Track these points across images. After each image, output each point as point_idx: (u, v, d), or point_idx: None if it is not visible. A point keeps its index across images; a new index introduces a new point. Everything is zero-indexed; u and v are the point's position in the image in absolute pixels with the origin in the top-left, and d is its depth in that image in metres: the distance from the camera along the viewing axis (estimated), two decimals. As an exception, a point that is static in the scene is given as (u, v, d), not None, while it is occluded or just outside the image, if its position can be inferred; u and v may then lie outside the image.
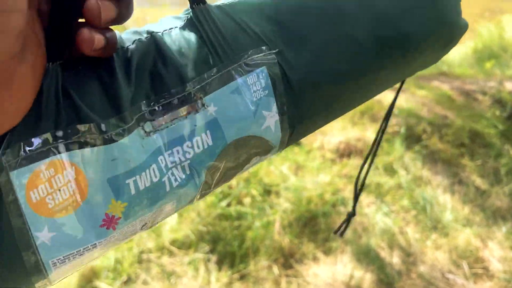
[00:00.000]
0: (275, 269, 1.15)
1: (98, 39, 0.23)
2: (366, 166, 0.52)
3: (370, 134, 1.62)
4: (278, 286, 1.11)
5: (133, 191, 0.24)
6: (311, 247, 1.22)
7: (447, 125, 1.71)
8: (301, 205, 1.34)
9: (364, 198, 1.41)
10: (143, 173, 0.24)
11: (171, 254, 1.18)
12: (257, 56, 0.28)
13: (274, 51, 0.29)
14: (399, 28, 0.33)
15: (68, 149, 0.22)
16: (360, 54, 0.32)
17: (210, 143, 0.26)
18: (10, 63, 0.19)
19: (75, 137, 0.22)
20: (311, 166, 1.49)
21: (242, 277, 1.13)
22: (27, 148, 0.22)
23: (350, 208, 1.33)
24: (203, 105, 0.26)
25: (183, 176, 0.26)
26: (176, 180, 0.26)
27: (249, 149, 0.29)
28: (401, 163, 1.52)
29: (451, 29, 0.38)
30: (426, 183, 1.47)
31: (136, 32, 0.27)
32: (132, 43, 0.26)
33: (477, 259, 1.21)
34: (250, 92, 0.27)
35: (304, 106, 0.30)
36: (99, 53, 0.23)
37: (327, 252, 1.22)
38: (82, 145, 0.22)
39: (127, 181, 0.24)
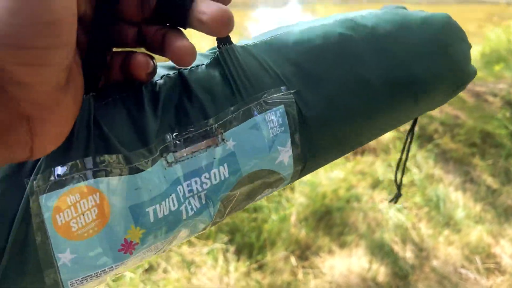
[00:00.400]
0: (293, 260, 1.18)
1: (152, 64, 0.25)
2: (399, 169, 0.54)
3: (383, 132, 1.66)
4: (295, 277, 1.14)
5: (152, 219, 0.25)
6: (327, 241, 1.25)
7: (459, 125, 1.74)
8: (316, 200, 1.37)
9: (377, 194, 1.44)
10: (163, 202, 0.25)
11: (190, 244, 1.21)
12: (276, 95, 0.29)
13: (292, 91, 0.30)
14: (410, 72, 0.35)
15: (95, 176, 0.23)
16: (372, 96, 0.33)
17: (227, 175, 0.28)
18: (57, 93, 0.20)
19: (102, 165, 0.24)
20: (325, 163, 1.53)
21: (260, 267, 1.16)
22: (57, 174, 0.23)
23: (363, 204, 1.36)
24: (223, 139, 0.27)
25: (199, 206, 0.27)
26: (192, 209, 0.27)
27: (262, 181, 0.30)
28: (413, 161, 1.55)
29: (460, 76, 0.39)
30: (438, 181, 1.49)
31: (164, 67, 0.29)
32: (161, 78, 0.28)
33: (489, 255, 1.23)
34: (267, 129, 0.29)
35: (316, 142, 0.31)
36: (148, 77, 0.25)
37: (342, 245, 1.24)
38: (108, 173, 0.24)
39: (147, 209, 0.25)
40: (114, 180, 0.24)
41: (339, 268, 1.17)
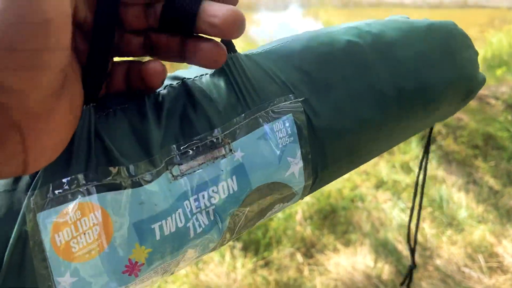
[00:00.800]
0: (299, 257, 1.20)
1: (166, 71, 0.24)
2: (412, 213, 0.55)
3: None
4: (301, 274, 1.16)
5: (158, 237, 0.23)
6: (331, 239, 1.27)
7: (462, 128, 1.76)
8: (321, 199, 1.39)
9: (381, 194, 1.45)
10: (169, 218, 0.24)
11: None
12: (283, 104, 0.28)
13: (300, 99, 0.29)
14: (419, 80, 0.34)
15: (96, 191, 0.22)
16: (383, 104, 0.32)
17: (236, 188, 0.26)
18: (50, 99, 0.18)
19: (104, 179, 0.22)
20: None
21: (266, 264, 1.17)
22: (56, 189, 0.21)
23: (367, 204, 1.38)
24: (230, 150, 0.26)
25: (207, 222, 0.25)
26: (200, 225, 0.25)
27: (273, 195, 0.28)
28: (417, 162, 1.57)
29: (469, 83, 0.39)
30: (441, 182, 1.51)
31: (167, 78, 0.28)
32: (164, 89, 0.27)
33: (491, 254, 1.25)
34: (276, 139, 0.28)
35: (327, 153, 0.30)
36: (160, 85, 0.25)
37: (347, 243, 1.26)
38: (110, 187, 0.22)
39: (152, 226, 0.23)
40: (116, 195, 0.22)
41: (344, 266, 1.18)
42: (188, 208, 0.25)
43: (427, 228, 1.33)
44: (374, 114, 0.32)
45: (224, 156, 0.26)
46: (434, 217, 1.37)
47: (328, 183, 0.34)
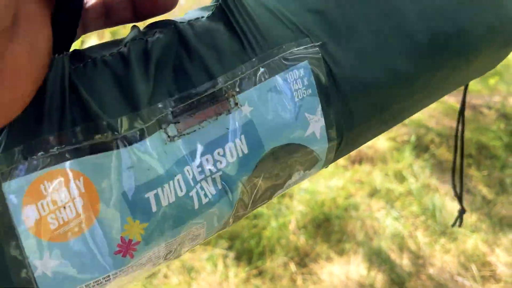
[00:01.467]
0: (292, 266, 1.20)
1: None
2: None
3: (381, 142, 1.68)
4: (294, 283, 1.16)
5: (154, 208, 0.19)
6: (325, 248, 1.27)
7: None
8: (315, 208, 1.39)
9: (374, 203, 1.46)
10: (166, 185, 0.20)
11: (190, 250, 1.22)
12: (297, 49, 0.24)
13: (317, 44, 0.25)
14: (458, 24, 0.30)
15: (75, 155, 0.18)
16: (415, 51, 0.28)
17: (246, 151, 0.22)
18: None
19: (83, 140, 0.18)
20: (325, 171, 1.55)
21: (260, 274, 1.17)
22: (25, 154, 0.18)
23: (361, 213, 1.38)
24: (236, 104, 0.22)
25: (214, 191, 0.22)
26: (206, 195, 0.21)
27: (291, 160, 0.24)
28: (410, 171, 1.58)
29: (511, 27, 0.34)
30: (435, 191, 1.52)
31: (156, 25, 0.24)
32: (153, 35, 0.22)
33: (484, 263, 1.25)
34: (291, 91, 0.24)
35: (353, 109, 0.26)
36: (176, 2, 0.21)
37: (340, 252, 1.26)
38: (91, 150, 0.18)
39: (146, 195, 0.19)
40: (100, 159, 0.18)
41: (337, 275, 1.18)
42: (190, 174, 0.21)
43: (420, 237, 1.33)
44: (407, 64, 0.28)
45: (229, 111, 0.22)
46: (427, 226, 1.37)
47: (357, 147, 0.29)
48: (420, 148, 1.70)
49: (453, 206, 1.46)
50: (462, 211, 0.56)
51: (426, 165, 1.61)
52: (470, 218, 1.42)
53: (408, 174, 1.56)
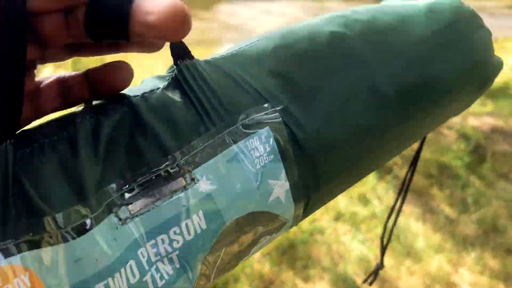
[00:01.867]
0: (256, 296, 1.17)
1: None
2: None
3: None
4: (259, 313, 1.12)
5: None
6: (290, 274, 1.25)
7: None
8: (280, 234, 1.38)
9: (340, 226, 1.45)
10: (117, 274, 0.19)
11: None
12: (257, 115, 0.24)
13: (278, 108, 0.24)
14: (424, 72, 0.29)
15: (17, 250, 0.17)
16: (382, 104, 0.27)
17: (204, 226, 0.21)
18: None
19: (26, 235, 0.18)
20: (289, 196, 1.54)
21: (223, 305, 1.13)
22: None
23: (327, 236, 1.37)
24: (192, 179, 0.21)
25: (171, 271, 0.21)
26: (161, 277, 0.20)
27: (255, 228, 0.23)
28: (374, 193, 1.59)
29: (484, 69, 0.34)
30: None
31: (107, 99, 0.23)
32: (104, 112, 0.21)
33: (449, 284, 1.25)
34: (252, 159, 0.23)
35: (319, 170, 0.25)
36: (130, 80, 0.22)
37: (306, 279, 1.24)
38: (35, 245, 0.18)
39: (95, 287, 0.19)
40: (45, 253, 0.18)
41: (302, 303, 1.16)
42: (144, 257, 0.20)
43: (386, 260, 1.33)
44: (373, 118, 0.27)
45: (185, 187, 0.21)
46: (393, 248, 1.37)
47: (324, 204, 0.29)
48: (383, 170, 1.72)
49: (417, 227, 1.47)
50: (379, 266, 0.53)
51: (389, 186, 1.62)
52: (434, 237, 1.43)
53: (372, 197, 1.56)
